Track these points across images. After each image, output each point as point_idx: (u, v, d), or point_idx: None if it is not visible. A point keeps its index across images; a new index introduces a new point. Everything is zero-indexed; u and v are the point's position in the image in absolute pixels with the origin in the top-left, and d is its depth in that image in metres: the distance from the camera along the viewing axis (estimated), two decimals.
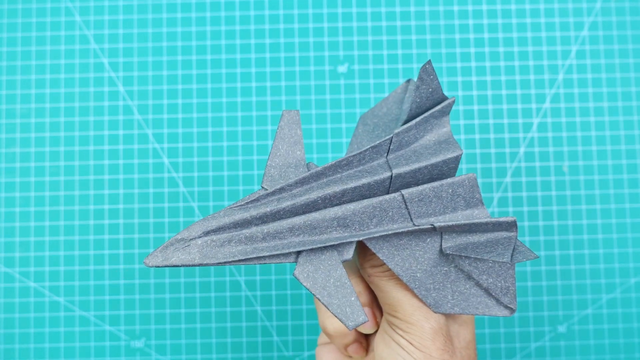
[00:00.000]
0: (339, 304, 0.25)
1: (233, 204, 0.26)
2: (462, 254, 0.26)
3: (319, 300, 0.26)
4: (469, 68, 0.44)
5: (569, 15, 0.44)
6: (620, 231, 0.43)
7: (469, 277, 0.28)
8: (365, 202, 0.26)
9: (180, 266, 0.26)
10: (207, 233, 0.26)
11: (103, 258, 0.42)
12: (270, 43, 0.44)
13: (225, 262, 0.26)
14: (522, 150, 0.43)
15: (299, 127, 0.28)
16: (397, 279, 0.28)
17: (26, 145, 0.43)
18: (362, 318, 0.25)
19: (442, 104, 0.28)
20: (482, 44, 0.44)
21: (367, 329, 0.31)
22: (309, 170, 0.27)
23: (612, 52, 0.44)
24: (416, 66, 0.44)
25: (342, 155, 0.43)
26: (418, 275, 0.27)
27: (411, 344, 0.28)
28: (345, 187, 0.26)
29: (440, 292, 0.28)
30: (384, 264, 0.28)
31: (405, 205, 0.27)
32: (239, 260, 0.26)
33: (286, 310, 0.42)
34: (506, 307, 0.28)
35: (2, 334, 0.42)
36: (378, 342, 0.29)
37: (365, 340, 0.32)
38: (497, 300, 0.28)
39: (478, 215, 0.27)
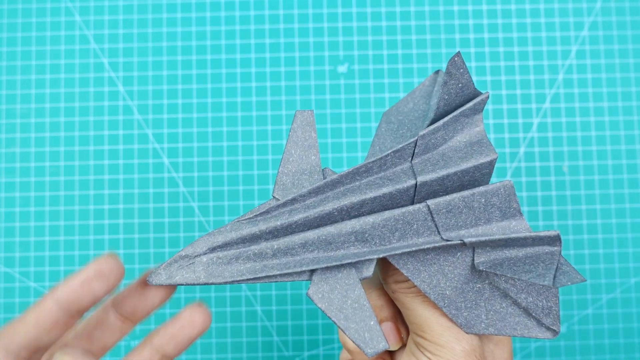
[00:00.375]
0: (356, 329, 0.23)
1: (241, 217, 0.24)
2: (497, 272, 0.23)
3: (335, 323, 0.23)
4: (469, 68, 0.44)
5: (569, 15, 0.44)
6: (620, 231, 0.43)
7: (506, 295, 0.25)
8: (387, 214, 0.24)
9: (185, 285, 0.24)
10: (212, 249, 0.24)
11: None
12: (270, 43, 0.44)
13: (233, 281, 0.24)
14: (522, 150, 0.43)
15: (314, 129, 0.26)
16: (424, 295, 0.26)
17: (26, 145, 0.43)
18: (383, 345, 0.23)
19: (474, 101, 0.25)
20: (482, 44, 0.44)
21: (391, 346, 0.29)
22: (324, 178, 0.25)
23: (612, 52, 0.44)
24: (416, 66, 0.44)
25: (344, 155, 0.43)
26: (447, 292, 0.25)
27: None
28: (364, 197, 0.24)
29: (472, 312, 0.25)
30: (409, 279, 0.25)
31: (432, 217, 0.24)
32: (248, 280, 0.24)
33: (286, 310, 0.42)
34: (548, 328, 0.25)
35: None
36: None
37: (389, 357, 0.30)
38: (538, 321, 0.25)
39: (516, 227, 0.24)
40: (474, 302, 0.25)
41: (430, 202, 0.24)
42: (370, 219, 0.24)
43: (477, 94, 0.26)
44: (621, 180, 0.43)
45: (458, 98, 0.25)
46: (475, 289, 0.25)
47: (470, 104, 0.25)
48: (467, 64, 0.44)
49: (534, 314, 0.25)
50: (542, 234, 0.23)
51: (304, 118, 0.26)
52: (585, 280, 0.24)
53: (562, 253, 0.42)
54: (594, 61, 0.44)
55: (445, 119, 0.25)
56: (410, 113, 0.28)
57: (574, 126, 0.43)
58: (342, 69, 0.44)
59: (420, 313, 0.26)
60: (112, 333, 0.25)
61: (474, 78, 0.44)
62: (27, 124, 0.43)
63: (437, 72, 0.28)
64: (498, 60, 0.44)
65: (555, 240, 0.23)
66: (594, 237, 0.43)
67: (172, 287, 0.25)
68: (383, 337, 0.23)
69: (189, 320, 0.24)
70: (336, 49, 0.44)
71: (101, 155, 0.43)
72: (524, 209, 0.43)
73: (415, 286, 0.26)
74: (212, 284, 0.24)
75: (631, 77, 0.44)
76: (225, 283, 0.24)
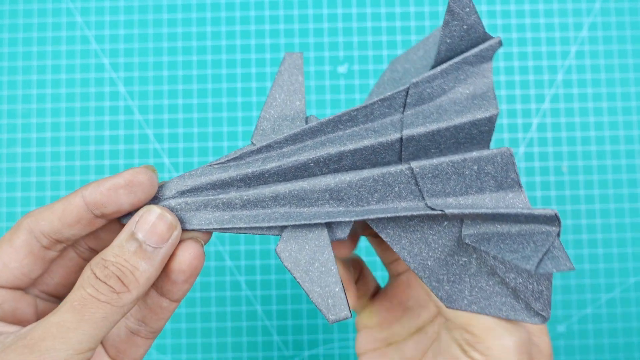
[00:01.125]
0: (321, 293, 0.21)
1: (213, 161, 0.23)
2: (483, 248, 0.21)
3: (299, 284, 0.22)
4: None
5: (568, 15, 0.44)
6: (619, 231, 0.43)
7: (494, 272, 0.22)
8: (365, 172, 0.22)
9: None
10: (182, 193, 0.23)
11: None
12: (270, 44, 0.44)
13: (199, 230, 0.22)
14: (521, 150, 0.43)
15: (301, 73, 0.23)
16: None
17: (27, 146, 0.43)
18: (345, 313, 0.21)
19: (481, 46, 0.22)
20: None
21: (352, 307, 0.28)
22: (307, 123, 0.23)
23: (611, 53, 0.44)
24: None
25: None
26: (429, 263, 0.22)
27: None
28: (342, 148, 0.22)
29: (455, 286, 0.23)
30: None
31: (416, 180, 0.22)
32: (215, 229, 0.22)
33: (286, 310, 0.42)
34: (537, 313, 0.23)
35: None
36: None
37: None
38: (527, 304, 0.23)
39: (511, 200, 0.22)
40: (457, 277, 0.23)
41: (414, 164, 0.22)
42: (347, 176, 0.22)
43: (486, 38, 0.22)
44: (620, 180, 0.43)
45: (463, 42, 0.22)
46: (460, 262, 0.23)
47: (476, 49, 0.22)
48: None
49: (522, 296, 0.22)
50: (536, 212, 0.21)
51: (292, 61, 0.24)
52: (574, 269, 0.20)
53: None
54: (593, 62, 0.44)
55: (444, 65, 0.22)
56: (418, 61, 0.25)
57: (573, 126, 0.44)
58: (342, 69, 0.44)
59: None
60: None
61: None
62: (28, 125, 0.43)
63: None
64: (497, 60, 0.44)
65: (552, 220, 0.21)
66: (593, 237, 0.43)
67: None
68: (347, 305, 0.21)
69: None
70: (336, 50, 0.44)
71: (102, 155, 0.43)
72: None
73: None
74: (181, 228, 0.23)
75: (630, 77, 0.44)
76: (192, 231, 0.23)
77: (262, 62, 0.44)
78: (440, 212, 0.21)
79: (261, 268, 0.43)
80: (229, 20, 0.44)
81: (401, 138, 0.22)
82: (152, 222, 0.21)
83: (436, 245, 0.22)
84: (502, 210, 0.21)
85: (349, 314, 0.21)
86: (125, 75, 0.44)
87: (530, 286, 0.22)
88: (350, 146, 0.22)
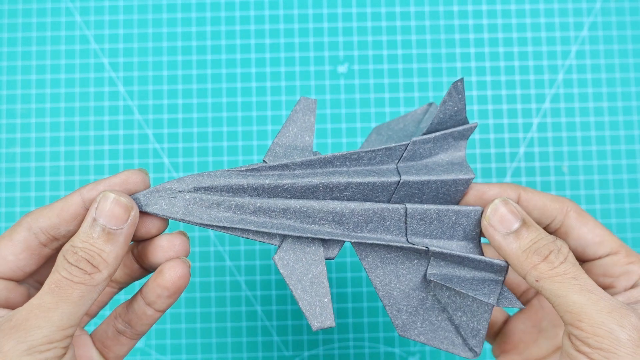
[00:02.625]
0: (310, 302, 0.24)
1: (232, 168, 0.25)
2: (447, 284, 0.25)
3: (291, 291, 0.25)
4: (468, 68, 0.44)
5: (568, 15, 0.44)
6: (620, 231, 0.43)
7: (444, 309, 0.27)
8: (367, 204, 0.25)
9: (160, 216, 0.24)
10: (197, 189, 0.25)
11: None
12: (270, 43, 0.44)
13: (208, 225, 0.24)
14: (521, 150, 0.43)
15: (314, 115, 0.27)
16: (579, 279, 0.24)
17: (27, 146, 0.43)
18: (330, 322, 0.24)
19: (464, 126, 0.27)
20: (481, 44, 0.44)
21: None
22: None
23: (611, 53, 0.44)
24: (416, 66, 0.44)
25: None
26: (394, 293, 0.26)
27: None
28: (350, 180, 0.25)
29: (411, 317, 0.27)
30: (561, 260, 0.24)
31: (406, 219, 0.26)
32: (223, 227, 0.25)
33: (286, 310, 0.42)
34: (471, 349, 0.27)
35: None
36: None
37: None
38: (464, 340, 0.27)
39: (472, 249, 0.26)
40: (414, 309, 0.27)
41: (409, 205, 0.26)
42: (351, 205, 0.25)
43: (466, 122, 0.28)
44: (621, 180, 0.43)
45: (450, 120, 0.27)
46: (420, 297, 0.27)
47: (460, 128, 0.27)
48: (467, 64, 0.44)
49: (462, 332, 0.27)
50: (495, 261, 0.25)
51: (307, 104, 0.27)
52: (524, 307, 0.26)
53: None
54: (593, 61, 0.44)
55: (437, 133, 0.27)
56: (399, 131, 0.29)
57: (574, 126, 0.43)
58: (342, 69, 0.44)
59: (575, 300, 0.23)
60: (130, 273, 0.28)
61: (474, 78, 0.44)
62: (27, 124, 0.43)
63: (430, 104, 0.30)
64: (498, 60, 0.44)
65: (502, 269, 0.26)
66: None
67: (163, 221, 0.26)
68: (332, 316, 0.24)
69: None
70: (336, 49, 0.44)
71: (101, 155, 0.43)
72: None
73: (566, 268, 0.24)
74: (187, 222, 0.24)
75: (631, 77, 0.44)
76: (200, 225, 0.25)
77: (261, 61, 0.44)
78: (423, 249, 0.26)
79: (261, 268, 0.43)
80: (228, 19, 0.44)
81: (399, 181, 0.26)
82: (108, 207, 0.23)
83: (404, 279, 0.26)
84: (470, 255, 0.25)
85: (333, 323, 0.24)
86: (124, 74, 0.44)
87: (472, 324, 0.27)
88: (357, 179, 0.25)
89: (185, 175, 0.26)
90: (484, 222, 0.26)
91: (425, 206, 0.26)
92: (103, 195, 0.23)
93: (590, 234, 0.27)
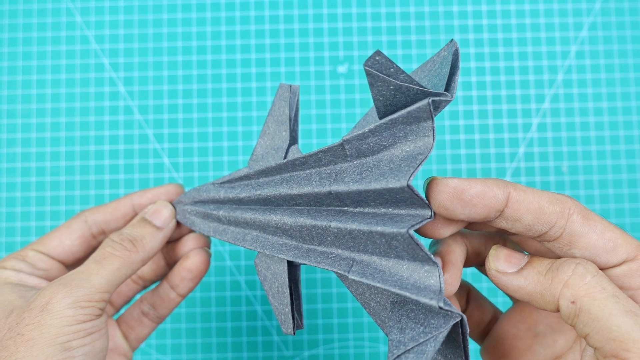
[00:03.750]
0: (277, 307, 0.26)
1: (216, 180, 0.29)
2: (399, 311, 0.22)
3: (266, 294, 0.27)
4: (468, 68, 0.44)
5: (568, 15, 0.44)
6: None
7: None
8: (301, 220, 0.24)
9: (179, 221, 0.30)
10: (194, 203, 0.30)
11: None
12: (270, 43, 0.44)
13: (206, 234, 0.29)
14: (521, 150, 0.43)
15: (287, 104, 0.26)
16: (619, 298, 0.20)
17: (27, 146, 0.43)
18: (289, 331, 0.25)
19: (409, 108, 0.21)
20: (481, 44, 0.44)
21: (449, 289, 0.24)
22: (287, 155, 0.26)
23: (611, 53, 0.44)
24: (416, 66, 0.44)
25: None
26: (372, 304, 0.23)
27: None
28: (291, 192, 0.24)
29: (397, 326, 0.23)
30: (592, 274, 0.21)
31: (337, 237, 0.23)
32: (211, 235, 0.29)
33: None
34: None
35: None
36: None
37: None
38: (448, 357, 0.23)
39: (425, 273, 0.21)
40: (398, 320, 0.22)
41: (333, 224, 0.23)
42: (289, 220, 0.25)
43: (425, 95, 0.21)
44: (620, 180, 0.43)
45: (399, 100, 0.21)
46: (406, 308, 0.23)
47: (404, 111, 0.21)
48: (467, 64, 0.44)
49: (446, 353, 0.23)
50: (432, 301, 0.20)
51: (282, 92, 0.26)
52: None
53: None
54: (593, 62, 0.44)
55: (372, 126, 0.22)
56: (431, 74, 0.24)
57: (574, 126, 0.43)
58: (342, 69, 0.44)
59: (619, 322, 0.19)
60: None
61: (474, 78, 0.44)
62: (28, 124, 0.43)
63: (451, 41, 0.22)
64: (497, 60, 0.44)
65: (454, 315, 0.21)
66: None
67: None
68: (292, 325, 0.25)
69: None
70: (336, 50, 0.44)
71: (102, 155, 0.43)
72: None
73: (602, 282, 0.21)
74: (194, 229, 0.29)
75: (630, 77, 0.44)
76: (200, 232, 0.29)
77: (262, 62, 0.44)
78: (345, 274, 0.23)
79: None
80: (228, 20, 0.44)
81: (330, 192, 0.23)
82: (161, 211, 0.29)
83: (377, 293, 0.23)
84: (401, 292, 0.21)
85: (293, 333, 0.25)
86: (125, 75, 0.44)
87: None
88: (295, 191, 0.24)
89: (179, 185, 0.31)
90: (491, 273, 0.23)
91: (349, 226, 0.23)
92: (161, 202, 0.30)
93: (600, 240, 0.21)
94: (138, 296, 0.37)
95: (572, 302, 0.20)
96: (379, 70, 0.20)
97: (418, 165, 0.20)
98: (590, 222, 0.22)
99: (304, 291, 0.43)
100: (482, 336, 0.28)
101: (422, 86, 0.20)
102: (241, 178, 0.27)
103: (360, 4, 0.44)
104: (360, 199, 0.22)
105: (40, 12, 0.44)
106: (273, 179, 0.26)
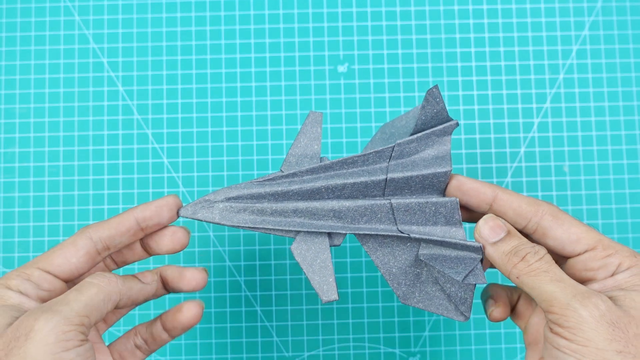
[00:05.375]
0: (319, 281, 0.31)
1: (253, 180, 0.32)
2: (431, 263, 0.30)
3: (304, 273, 0.32)
4: (469, 67, 0.44)
5: (569, 14, 0.44)
6: (621, 232, 0.43)
7: (436, 281, 0.32)
8: (360, 202, 0.31)
9: (203, 221, 0.32)
10: (228, 199, 0.32)
11: None
12: (270, 42, 0.44)
13: (238, 226, 0.31)
14: (522, 150, 0.43)
15: (320, 126, 0.33)
16: (550, 272, 0.28)
17: (25, 145, 0.43)
18: (335, 297, 0.30)
19: (444, 125, 0.32)
20: (482, 43, 0.44)
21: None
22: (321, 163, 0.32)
23: (613, 52, 0.44)
24: (416, 66, 0.44)
25: (344, 155, 0.43)
26: (394, 270, 0.32)
27: (572, 341, 0.26)
28: (345, 181, 0.31)
29: (410, 288, 0.32)
30: (538, 258, 0.28)
31: (393, 212, 0.31)
32: (249, 227, 0.31)
33: (286, 311, 0.42)
34: (462, 314, 0.32)
35: None
36: None
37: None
38: (456, 307, 0.32)
39: (454, 233, 0.31)
40: (412, 282, 0.32)
41: (393, 200, 0.31)
42: (346, 203, 0.31)
43: (449, 119, 0.32)
44: (622, 180, 0.43)
45: (433, 120, 0.32)
46: (415, 272, 0.32)
47: (440, 127, 0.32)
48: (468, 64, 0.44)
49: (453, 300, 0.31)
50: (468, 243, 0.30)
51: (315, 117, 0.33)
52: (486, 283, 0.29)
53: None
54: (594, 61, 0.44)
55: (419, 134, 0.32)
56: (401, 128, 0.34)
57: (575, 126, 0.43)
58: (342, 68, 0.44)
59: (546, 288, 0.27)
60: (134, 255, 0.33)
61: (475, 77, 0.44)
62: (26, 124, 0.43)
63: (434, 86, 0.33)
64: (498, 59, 0.44)
65: (478, 249, 0.30)
66: None
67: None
68: (336, 291, 0.30)
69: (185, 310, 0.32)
70: (336, 49, 0.44)
71: (100, 155, 0.43)
72: None
73: (540, 264, 0.28)
74: (222, 224, 0.31)
75: (632, 76, 0.44)
76: (232, 226, 0.31)
77: (261, 61, 0.44)
78: (407, 236, 0.31)
79: (260, 268, 0.42)
80: (228, 19, 0.44)
81: (386, 179, 0.31)
82: (145, 273, 0.32)
83: (400, 259, 0.32)
84: (447, 239, 0.30)
85: (338, 297, 0.30)
86: (123, 74, 0.44)
87: (460, 294, 0.31)
88: (351, 180, 0.31)
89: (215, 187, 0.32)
90: (475, 235, 0.30)
91: (408, 200, 0.31)
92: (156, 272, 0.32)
93: (566, 234, 0.29)
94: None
95: (517, 277, 0.28)
96: (434, 97, 0.31)
97: (449, 160, 0.31)
98: (559, 220, 0.29)
99: (304, 291, 0.43)
100: (508, 308, 0.33)
101: (447, 113, 0.31)
102: (285, 176, 0.32)
103: (361, 3, 0.44)
104: (405, 185, 0.31)
105: (38, 10, 0.44)
106: (320, 176, 0.32)
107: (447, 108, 0.43)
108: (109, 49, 0.44)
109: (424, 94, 0.43)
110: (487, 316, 0.33)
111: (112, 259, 0.33)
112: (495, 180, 0.43)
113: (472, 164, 0.43)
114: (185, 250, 0.42)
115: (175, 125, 0.43)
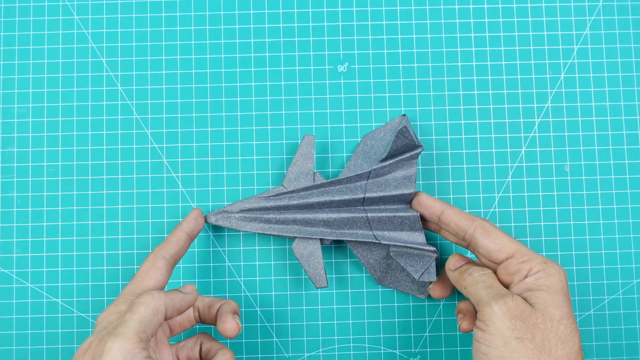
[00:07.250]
0: (313, 273, 0.40)
1: (261, 194, 0.41)
2: (398, 260, 0.40)
3: (302, 266, 0.40)
4: (470, 67, 0.44)
5: (571, 13, 0.44)
6: (622, 232, 0.42)
7: (403, 269, 0.41)
8: (344, 214, 0.40)
9: (224, 226, 0.41)
10: (242, 211, 0.41)
11: (102, 258, 0.42)
12: (269, 42, 0.44)
13: (250, 231, 0.41)
14: (523, 149, 0.43)
15: (313, 147, 0.41)
16: (485, 282, 0.35)
17: (24, 145, 0.43)
18: (324, 284, 0.40)
19: (412, 152, 0.40)
20: (483, 42, 0.44)
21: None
22: (314, 179, 0.41)
23: (614, 51, 0.44)
24: (416, 65, 0.44)
25: (344, 155, 0.43)
26: (371, 261, 0.41)
27: (485, 332, 0.33)
28: (333, 198, 0.41)
29: (383, 274, 0.42)
30: (480, 273, 0.36)
31: (369, 222, 0.40)
32: (259, 232, 0.41)
33: (286, 311, 0.42)
34: (422, 293, 0.42)
35: (0, 335, 0.42)
36: None
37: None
38: (418, 288, 0.42)
39: (416, 237, 0.40)
40: (384, 269, 0.41)
41: (369, 214, 0.40)
42: (334, 215, 0.40)
43: (417, 146, 0.40)
44: (624, 180, 0.43)
45: (403, 148, 0.40)
46: (387, 262, 0.41)
47: (408, 154, 0.40)
48: (469, 63, 0.43)
49: (417, 283, 0.41)
50: (425, 248, 0.39)
51: (309, 140, 0.41)
52: (435, 280, 0.40)
53: (565, 254, 0.42)
54: (596, 60, 0.44)
55: (391, 161, 0.40)
56: (380, 140, 0.42)
57: (576, 125, 0.43)
58: (341, 68, 0.44)
59: (479, 293, 0.35)
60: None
61: (476, 77, 0.43)
62: (24, 124, 0.43)
63: (403, 115, 0.42)
64: (499, 59, 0.44)
65: (432, 252, 0.39)
66: (596, 237, 0.42)
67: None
68: (326, 280, 0.40)
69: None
70: (336, 48, 0.44)
71: (100, 154, 0.43)
72: (526, 209, 0.43)
73: (479, 277, 0.36)
74: (239, 230, 0.41)
75: (633, 75, 0.44)
76: (246, 231, 0.41)
77: (261, 60, 0.44)
78: (378, 242, 0.40)
79: (260, 269, 0.42)
80: (227, 18, 0.44)
81: (364, 197, 0.40)
82: (186, 287, 0.36)
83: (375, 254, 0.41)
84: (408, 245, 0.40)
85: (327, 284, 0.40)
86: (122, 73, 0.43)
87: (422, 278, 0.40)
88: (337, 197, 0.41)
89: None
90: (446, 266, 0.39)
91: (380, 214, 0.40)
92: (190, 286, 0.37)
93: (491, 244, 0.36)
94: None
95: (464, 288, 0.36)
96: (404, 134, 0.39)
97: (414, 182, 0.40)
98: (488, 232, 0.37)
99: (304, 291, 0.42)
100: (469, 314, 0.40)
101: (418, 142, 0.40)
102: (286, 193, 0.41)
103: (361, 3, 0.44)
104: (379, 201, 0.41)
105: (36, 9, 0.44)
106: (313, 192, 0.41)
107: (447, 108, 0.43)
108: (108, 48, 0.44)
109: (424, 93, 0.43)
110: (458, 327, 0.39)
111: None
112: (496, 180, 0.43)
113: (473, 164, 0.43)
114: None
115: (175, 124, 0.43)
